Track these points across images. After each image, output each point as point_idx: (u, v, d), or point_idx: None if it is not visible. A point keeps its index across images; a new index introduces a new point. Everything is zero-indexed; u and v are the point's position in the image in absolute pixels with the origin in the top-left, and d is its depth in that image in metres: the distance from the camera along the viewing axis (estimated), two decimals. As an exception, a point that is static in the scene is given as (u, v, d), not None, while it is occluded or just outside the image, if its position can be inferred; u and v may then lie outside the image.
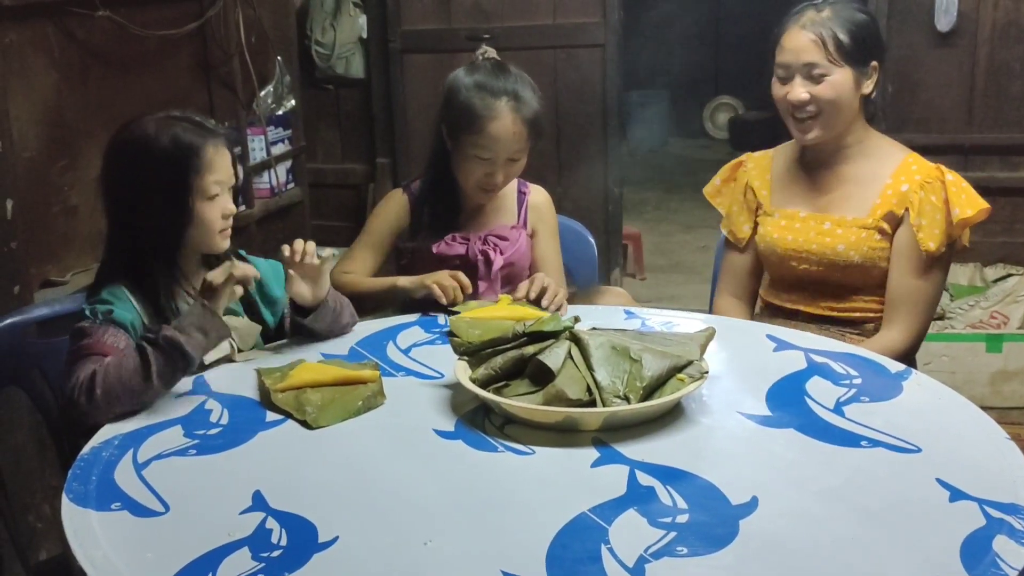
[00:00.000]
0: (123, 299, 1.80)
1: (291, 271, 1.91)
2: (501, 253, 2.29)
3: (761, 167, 2.33)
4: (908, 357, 2.14)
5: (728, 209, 2.39)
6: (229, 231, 1.89)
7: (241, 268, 1.76)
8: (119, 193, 1.85)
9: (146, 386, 1.64)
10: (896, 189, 2.12)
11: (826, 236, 2.18)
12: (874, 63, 2.13)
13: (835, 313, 2.22)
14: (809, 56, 2.10)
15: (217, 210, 1.84)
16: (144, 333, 1.71)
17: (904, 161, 2.16)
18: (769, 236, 2.28)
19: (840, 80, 2.11)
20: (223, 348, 1.86)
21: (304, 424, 1.60)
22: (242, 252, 2.03)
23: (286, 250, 1.90)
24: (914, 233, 2.10)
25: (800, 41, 2.11)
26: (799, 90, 2.12)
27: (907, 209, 2.11)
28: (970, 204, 2.08)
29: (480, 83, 2.22)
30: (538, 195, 2.42)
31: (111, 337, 1.73)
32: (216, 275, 1.73)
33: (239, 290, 1.77)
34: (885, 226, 2.13)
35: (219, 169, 1.83)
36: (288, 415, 1.63)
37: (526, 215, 2.38)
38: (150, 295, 1.82)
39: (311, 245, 1.91)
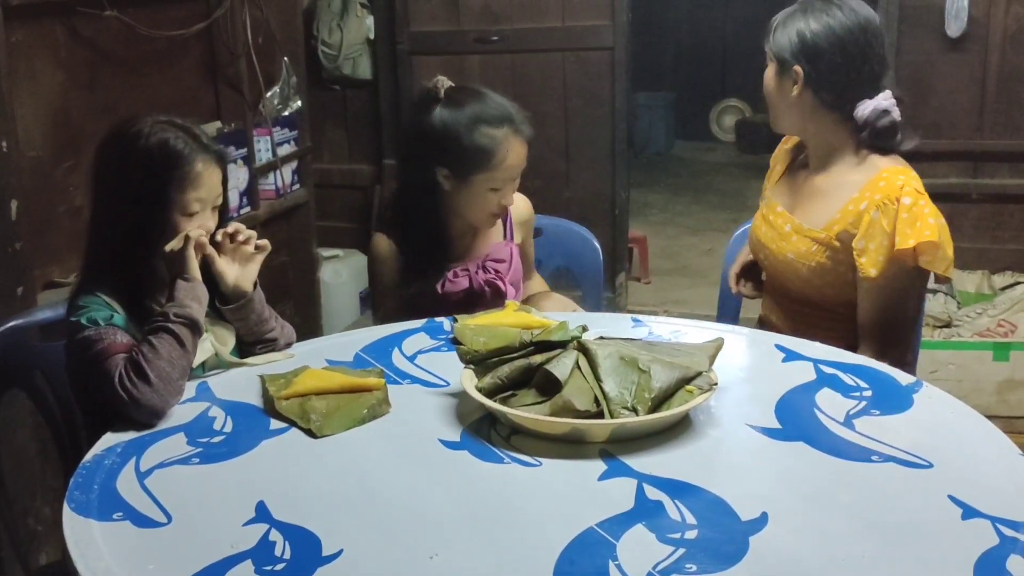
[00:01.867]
0: (104, 307, 1.75)
1: (221, 252, 1.85)
2: (503, 280, 2.24)
3: (787, 150, 2.31)
4: None
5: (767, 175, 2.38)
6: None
7: (195, 232, 1.76)
8: (101, 187, 1.82)
9: (188, 360, 1.69)
10: (857, 207, 2.02)
11: (783, 239, 2.14)
12: (796, 68, 2.05)
13: (795, 335, 2.12)
14: (767, 42, 2.12)
15: (193, 226, 1.79)
16: (154, 319, 1.70)
17: (875, 177, 2.03)
18: (754, 221, 2.28)
19: (768, 73, 2.12)
20: (207, 349, 1.86)
21: (309, 433, 1.59)
22: None
23: (219, 234, 1.85)
24: (856, 257, 2.01)
25: (773, 25, 2.11)
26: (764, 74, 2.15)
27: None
28: (915, 234, 1.94)
29: (474, 117, 2.13)
30: (521, 205, 2.36)
31: (122, 336, 1.71)
32: (174, 243, 1.75)
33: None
34: (837, 244, 2.04)
35: (204, 186, 1.78)
36: (292, 423, 1.62)
37: (511, 228, 2.37)
38: (129, 297, 1.78)
39: (251, 232, 1.88)
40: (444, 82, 2.20)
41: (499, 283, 2.24)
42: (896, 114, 2.06)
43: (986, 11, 3.76)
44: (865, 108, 2.05)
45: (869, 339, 2.06)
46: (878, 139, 2.07)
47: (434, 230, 2.23)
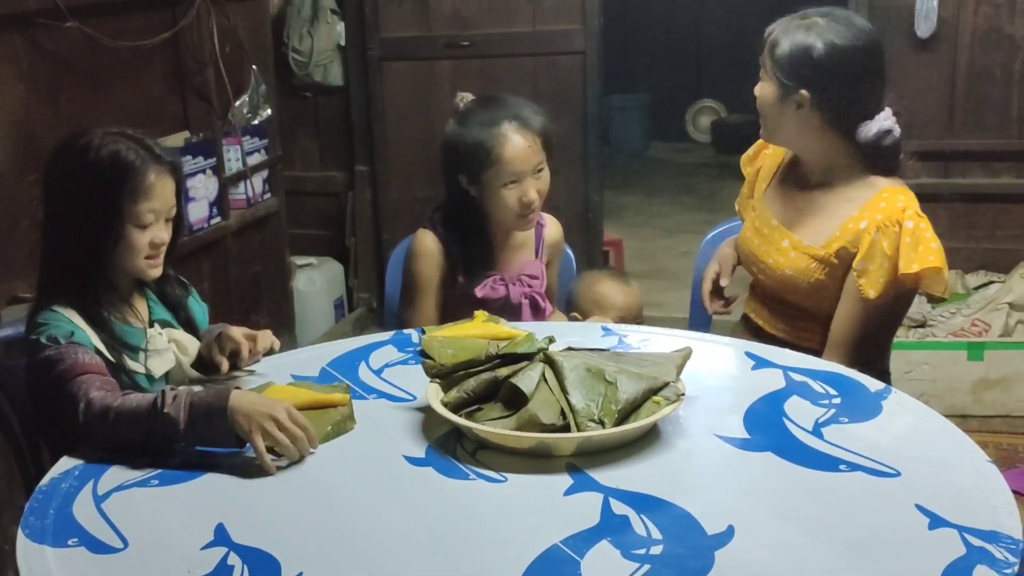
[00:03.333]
0: (64, 322, 1.72)
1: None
2: (541, 296, 2.35)
3: (777, 156, 2.27)
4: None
5: (748, 179, 2.35)
6: (158, 259, 1.81)
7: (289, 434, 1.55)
8: (53, 201, 1.80)
9: (142, 442, 1.56)
10: (856, 226, 2.00)
11: (780, 255, 2.11)
12: (803, 92, 2.00)
13: (787, 337, 2.14)
14: (763, 56, 2.07)
15: (147, 237, 1.76)
16: (162, 392, 1.57)
17: (875, 197, 2.01)
18: (743, 233, 2.26)
19: (765, 88, 2.07)
20: (169, 359, 1.84)
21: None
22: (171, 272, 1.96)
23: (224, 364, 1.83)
24: (855, 277, 1.99)
25: (769, 39, 2.06)
26: (758, 87, 2.10)
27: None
28: (919, 259, 1.93)
29: (478, 120, 2.24)
30: (553, 228, 2.47)
31: (85, 355, 1.68)
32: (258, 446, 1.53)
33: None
34: (835, 262, 2.03)
35: (157, 197, 1.76)
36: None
37: (542, 247, 2.43)
38: (87, 310, 1.75)
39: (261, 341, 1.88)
40: (464, 97, 2.33)
41: (537, 297, 2.34)
42: (897, 131, 2.04)
43: (955, 12, 3.78)
44: (869, 130, 2.02)
45: (844, 350, 2.04)
46: (882, 160, 2.05)
47: (476, 234, 2.30)
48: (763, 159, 2.31)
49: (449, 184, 2.32)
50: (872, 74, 2.03)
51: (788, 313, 2.16)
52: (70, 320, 1.72)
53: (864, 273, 1.98)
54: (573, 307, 2.44)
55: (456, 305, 2.26)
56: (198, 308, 1.99)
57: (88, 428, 1.58)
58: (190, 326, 1.94)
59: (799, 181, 2.17)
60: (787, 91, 2.02)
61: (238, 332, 1.88)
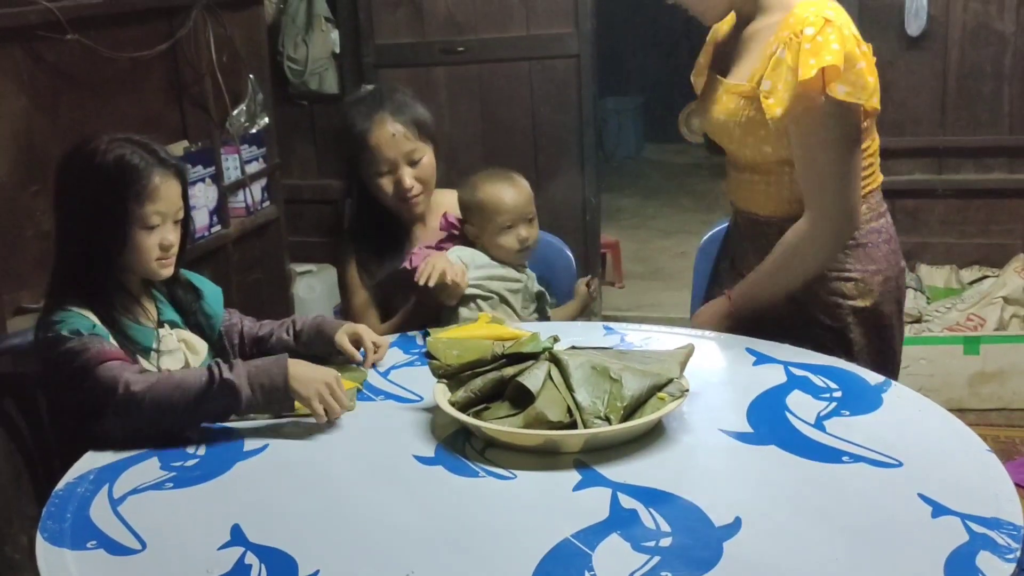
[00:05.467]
0: (82, 317, 1.76)
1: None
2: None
3: (725, 25, 2.18)
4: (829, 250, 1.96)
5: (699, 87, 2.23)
6: (169, 260, 1.85)
7: (337, 399, 1.69)
8: (62, 206, 1.84)
9: (192, 415, 1.64)
10: (770, 50, 1.90)
11: (716, 104, 2.03)
12: None
13: (757, 209, 2.06)
14: None
15: (155, 239, 1.81)
16: (216, 362, 1.67)
17: (787, 15, 1.90)
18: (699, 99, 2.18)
19: None
20: (179, 359, 1.87)
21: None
22: (191, 274, 2.01)
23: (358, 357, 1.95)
24: (763, 99, 1.87)
25: None
26: None
27: None
28: (818, 60, 1.81)
29: (354, 110, 2.32)
30: (451, 198, 2.40)
31: (109, 345, 1.72)
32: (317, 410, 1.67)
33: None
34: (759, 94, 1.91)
35: (162, 199, 1.80)
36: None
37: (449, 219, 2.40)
38: (99, 312, 1.79)
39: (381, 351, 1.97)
40: (365, 89, 2.42)
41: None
42: None
43: (945, 9, 3.81)
44: None
45: (807, 206, 1.93)
46: None
47: (379, 219, 2.36)
48: (703, 60, 2.23)
49: (345, 171, 2.40)
50: None
51: (743, 178, 2.08)
52: (86, 317, 1.76)
53: (770, 93, 1.87)
54: (464, 221, 2.33)
55: (391, 290, 2.33)
56: (212, 299, 2.01)
57: (128, 407, 1.62)
58: (199, 330, 1.96)
59: (733, 36, 2.11)
60: None
61: (368, 335, 1.96)
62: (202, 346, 1.94)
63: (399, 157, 2.27)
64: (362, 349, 1.96)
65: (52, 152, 2.79)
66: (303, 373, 1.67)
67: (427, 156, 2.31)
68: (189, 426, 1.66)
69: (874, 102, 1.92)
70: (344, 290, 2.42)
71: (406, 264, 2.27)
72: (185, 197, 1.86)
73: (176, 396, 1.62)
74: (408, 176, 2.29)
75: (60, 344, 1.71)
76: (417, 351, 2.01)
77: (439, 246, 2.32)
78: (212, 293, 2.02)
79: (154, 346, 1.84)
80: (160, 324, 1.89)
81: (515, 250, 2.28)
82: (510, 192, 2.27)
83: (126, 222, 1.77)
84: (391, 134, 2.26)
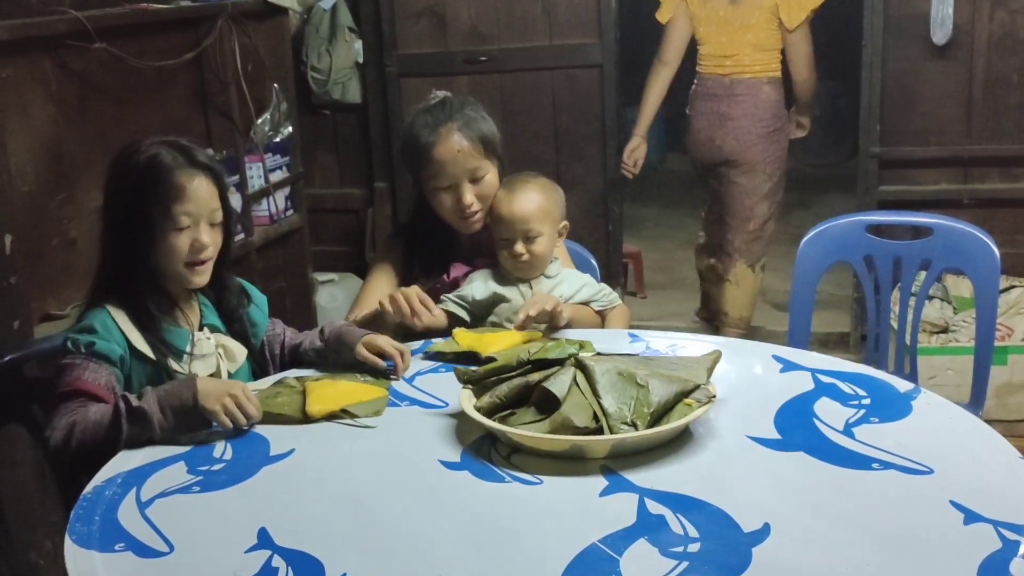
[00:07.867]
0: (107, 326, 1.79)
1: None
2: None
3: None
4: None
5: None
6: (203, 267, 1.85)
7: (242, 409, 1.68)
8: (104, 205, 1.88)
9: (113, 447, 1.65)
10: None
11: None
12: None
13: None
14: None
15: (185, 240, 1.81)
16: (123, 396, 1.67)
17: None
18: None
19: None
20: (211, 364, 1.87)
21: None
22: (242, 281, 2.02)
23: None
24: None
25: None
26: None
27: None
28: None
29: (422, 119, 2.24)
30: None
31: (92, 374, 1.74)
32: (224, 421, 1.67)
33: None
34: None
35: (192, 200, 1.80)
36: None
37: None
38: (134, 308, 1.81)
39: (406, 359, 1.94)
40: (437, 95, 2.30)
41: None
42: None
43: (970, 18, 3.79)
44: None
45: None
46: None
47: (433, 229, 2.31)
48: None
49: (414, 179, 2.33)
50: None
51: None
52: (106, 323, 1.78)
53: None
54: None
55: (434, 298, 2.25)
56: (258, 311, 2.02)
57: (56, 454, 1.66)
58: (242, 337, 1.97)
59: None
60: None
61: (388, 345, 1.93)
62: (241, 353, 1.94)
63: (462, 173, 2.20)
64: (389, 361, 1.93)
65: (79, 161, 2.82)
66: (209, 389, 1.67)
67: (491, 174, 2.24)
68: (113, 453, 1.64)
69: None
70: (366, 289, 2.33)
71: (445, 276, 2.26)
72: (224, 200, 1.87)
73: (100, 432, 1.64)
74: (469, 193, 2.21)
75: (62, 355, 1.77)
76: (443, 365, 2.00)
77: (475, 265, 2.28)
78: (260, 301, 2.03)
79: (187, 349, 1.84)
80: (200, 327, 1.90)
81: (508, 267, 2.23)
82: (505, 205, 2.20)
83: (155, 221, 1.79)
84: (456, 150, 2.19)
